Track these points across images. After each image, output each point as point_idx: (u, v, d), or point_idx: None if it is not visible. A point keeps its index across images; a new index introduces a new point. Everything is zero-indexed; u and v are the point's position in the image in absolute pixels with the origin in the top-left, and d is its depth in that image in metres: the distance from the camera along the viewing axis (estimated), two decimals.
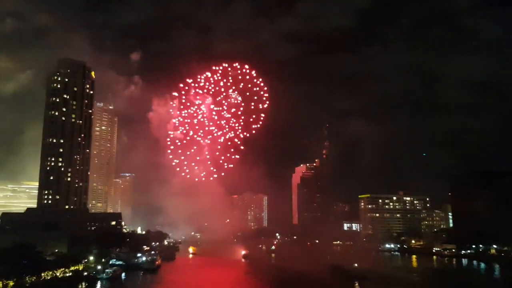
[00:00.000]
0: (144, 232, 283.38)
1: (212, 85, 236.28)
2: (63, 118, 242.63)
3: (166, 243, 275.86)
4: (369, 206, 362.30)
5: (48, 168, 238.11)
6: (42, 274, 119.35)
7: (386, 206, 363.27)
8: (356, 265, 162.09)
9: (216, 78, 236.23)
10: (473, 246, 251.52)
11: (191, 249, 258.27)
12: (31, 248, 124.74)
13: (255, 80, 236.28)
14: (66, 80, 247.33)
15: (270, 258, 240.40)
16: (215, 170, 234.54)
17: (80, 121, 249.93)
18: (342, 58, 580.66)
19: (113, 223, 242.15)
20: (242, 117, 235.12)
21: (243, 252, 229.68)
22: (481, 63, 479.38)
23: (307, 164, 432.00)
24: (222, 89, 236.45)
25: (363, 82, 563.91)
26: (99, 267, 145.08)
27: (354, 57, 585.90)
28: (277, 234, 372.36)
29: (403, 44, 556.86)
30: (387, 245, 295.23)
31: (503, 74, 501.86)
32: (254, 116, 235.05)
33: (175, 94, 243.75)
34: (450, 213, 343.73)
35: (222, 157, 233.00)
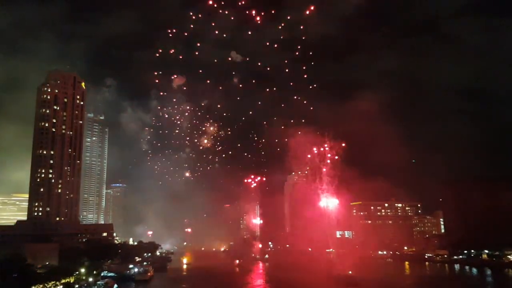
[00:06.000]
0: (136, 243, 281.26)
1: None
2: (54, 130, 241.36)
3: (158, 253, 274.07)
4: (361, 213, 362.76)
5: (38, 180, 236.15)
6: (33, 287, 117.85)
7: (378, 213, 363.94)
8: (350, 272, 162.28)
9: None
10: (465, 251, 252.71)
11: (185, 260, 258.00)
12: (21, 261, 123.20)
13: None
14: (56, 91, 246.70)
15: (265, 267, 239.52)
16: None
17: (71, 132, 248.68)
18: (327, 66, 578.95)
19: (105, 234, 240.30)
20: None
21: (237, 261, 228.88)
22: (467, 70, 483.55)
23: (299, 172, 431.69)
24: None
25: (349, 90, 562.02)
26: (90, 279, 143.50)
27: (339, 65, 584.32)
28: (269, 243, 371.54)
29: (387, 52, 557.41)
30: (379, 252, 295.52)
31: (490, 80, 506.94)
32: None
33: None
34: (441, 219, 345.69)
35: None
